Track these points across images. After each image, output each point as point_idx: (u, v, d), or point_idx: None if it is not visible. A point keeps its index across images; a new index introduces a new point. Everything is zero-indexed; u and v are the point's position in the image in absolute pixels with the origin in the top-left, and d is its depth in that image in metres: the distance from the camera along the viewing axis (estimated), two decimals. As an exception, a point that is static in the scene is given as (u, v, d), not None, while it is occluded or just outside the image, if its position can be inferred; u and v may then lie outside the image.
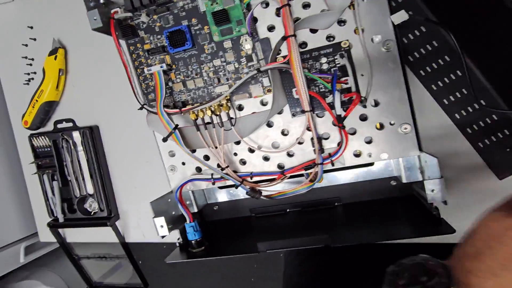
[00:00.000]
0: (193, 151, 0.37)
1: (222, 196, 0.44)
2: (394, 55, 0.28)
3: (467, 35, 0.32)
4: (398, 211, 0.38)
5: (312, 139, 0.32)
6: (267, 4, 0.30)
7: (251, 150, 0.35)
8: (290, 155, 0.35)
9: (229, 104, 0.33)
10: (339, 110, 0.28)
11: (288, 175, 0.35)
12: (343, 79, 0.29)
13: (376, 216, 0.38)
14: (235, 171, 0.36)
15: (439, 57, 0.34)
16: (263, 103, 0.33)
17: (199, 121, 0.34)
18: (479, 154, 0.37)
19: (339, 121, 0.29)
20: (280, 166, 0.35)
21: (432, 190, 0.30)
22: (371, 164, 0.37)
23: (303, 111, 0.30)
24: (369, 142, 0.32)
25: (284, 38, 0.27)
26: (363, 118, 0.31)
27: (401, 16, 0.27)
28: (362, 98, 0.30)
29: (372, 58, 0.29)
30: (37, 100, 0.48)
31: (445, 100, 0.36)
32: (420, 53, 0.34)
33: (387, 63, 0.29)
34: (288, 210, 0.43)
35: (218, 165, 0.36)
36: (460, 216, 0.40)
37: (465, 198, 0.39)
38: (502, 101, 0.34)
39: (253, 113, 0.33)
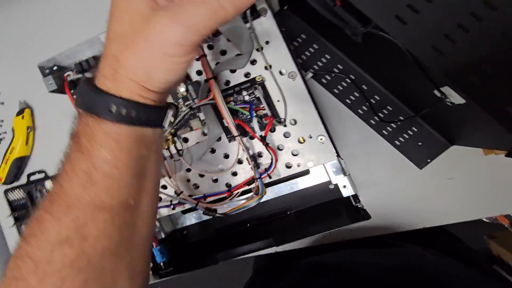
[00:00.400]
0: (151, 183, 0.41)
1: (189, 220, 0.48)
2: (299, 82, 0.35)
3: (364, 62, 0.40)
4: (339, 210, 0.43)
5: (247, 158, 0.38)
6: (192, 55, 0.36)
7: (201, 175, 0.40)
8: (234, 174, 0.40)
9: (175, 138, 0.39)
10: (258, 132, 0.34)
11: (235, 192, 0.41)
12: (261, 106, 0.35)
13: (322, 216, 0.43)
14: (190, 195, 0.41)
15: (343, 79, 0.42)
16: (204, 134, 0.39)
17: (151, 156, 0.39)
18: (398, 150, 0.43)
19: (262, 140, 0.35)
20: (228, 185, 0.41)
21: (344, 186, 0.36)
22: (307, 172, 0.42)
23: (234, 136, 0.36)
24: (296, 154, 0.38)
25: (206, 81, 0.33)
26: (287, 136, 0.37)
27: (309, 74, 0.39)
28: (282, 119, 0.36)
29: (283, 87, 0.35)
30: (9, 157, 0.52)
31: (359, 110, 0.43)
32: (330, 75, 0.42)
33: (295, 89, 0.35)
34: (248, 224, 0.48)
35: (175, 192, 0.41)
36: (390, 205, 0.47)
37: (393, 189, 0.45)
38: (405, 106, 0.42)
39: (197, 143, 0.39)
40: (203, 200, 0.41)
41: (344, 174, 0.37)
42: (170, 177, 0.40)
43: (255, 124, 0.34)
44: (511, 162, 0.41)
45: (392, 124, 0.42)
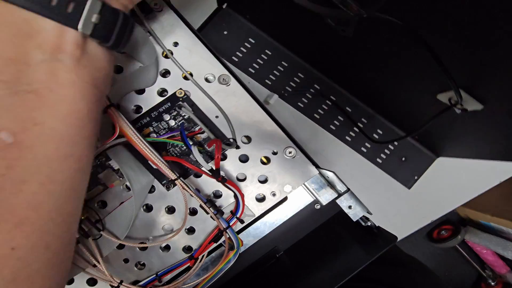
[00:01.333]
0: (70, 282, 0.28)
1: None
2: (236, 87, 0.25)
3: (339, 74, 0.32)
4: (340, 235, 0.33)
5: (201, 205, 0.26)
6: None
7: (143, 248, 0.28)
8: (191, 231, 0.28)
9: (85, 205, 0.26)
10: (205, 165, 0.23)
11: (200, 256, 0.29)
12: (197, 129, 0.25)
13: (322, 251, 0.33)
14: (136, 281, 0.28)
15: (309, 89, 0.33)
16: (128, 188, 0.27)
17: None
18: (381, 169, 0.36)
19: (214, 175, 0.24)
20: (187, 249, 0.29)
21: (350, 207, 0.26)
22: (284, 199, 0.32)
23: (172, 181, 0.25)
24: (264, 181, 0.28)
25: (103, 112, 0.22)
26: (244, 159, 0.27)
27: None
28: (231, 140, 0.26)
29: (217, 96, 0.25)
30: None
31: (331, 126, 0.34)
32: (291, 87, 0.33)
33: (234, 96, 0.26)
34: (231, 288, 0.36)
35: (111, 285, 0.28)
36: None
37: (386, 216, 0.37)
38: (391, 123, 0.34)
39: (121, 203, 0.27)
40: (157, 282, 0.29)
41: (339, 191, 0.28)
42: (95, 266, 0.27)
43: (196, 155, 0.23)
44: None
45: (369, 140, 0.34)
